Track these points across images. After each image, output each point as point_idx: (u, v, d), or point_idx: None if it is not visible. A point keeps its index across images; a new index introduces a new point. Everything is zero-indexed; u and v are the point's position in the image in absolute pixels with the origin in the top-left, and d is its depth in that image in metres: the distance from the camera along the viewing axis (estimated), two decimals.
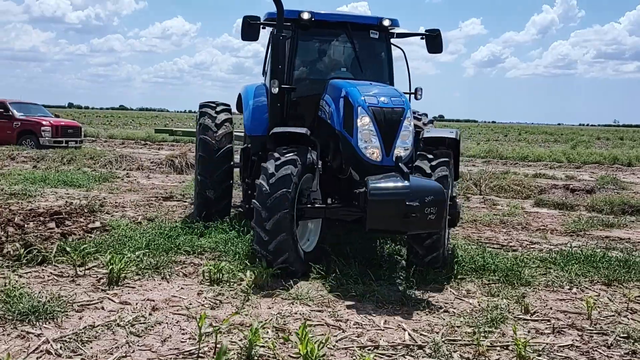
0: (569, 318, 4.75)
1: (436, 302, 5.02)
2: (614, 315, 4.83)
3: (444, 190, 5.02)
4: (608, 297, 5.33)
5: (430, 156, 5.74)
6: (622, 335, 4.34)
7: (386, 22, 7.06)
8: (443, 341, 4.12)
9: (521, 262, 6.31)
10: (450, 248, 6.45)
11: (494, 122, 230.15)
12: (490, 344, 4.12)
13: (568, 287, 5.64)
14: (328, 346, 3.81)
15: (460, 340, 4.17)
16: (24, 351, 3.73)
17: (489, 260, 6.11)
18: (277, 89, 6.39)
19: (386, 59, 7.31)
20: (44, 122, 20.26)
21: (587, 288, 5.62)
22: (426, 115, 7.93)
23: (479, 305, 4.95)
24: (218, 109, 7.73)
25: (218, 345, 3.73)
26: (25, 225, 7.28)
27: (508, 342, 4.06)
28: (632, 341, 4.24)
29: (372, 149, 5.73)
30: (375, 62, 7.34)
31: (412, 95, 7.25)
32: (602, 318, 4.76)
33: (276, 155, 5.52)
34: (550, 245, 7.51)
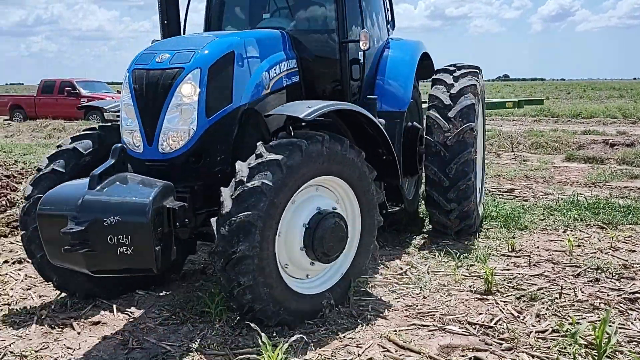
0: (550, 255, 5.28)
1: (434, 242, 5.65)
2: (595, 252, 5.30)
3: (149, 207, 3.25)
4: (598, 238, 5.78)
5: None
6: (592, 267, 4.85)
7: None
8: (426, 271, 4.79)
9: (524, 209, 6.80)
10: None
11: (563, 79, 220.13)
12: (469, 273, 4.76)
13: (562, 230, 6.12)
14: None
15: (442, 271, 4.82)
16: None
17: (492, 208, 6.64)
18: None
19: None
20: (107, 99, 21.80)
21: (581, 231, 6.07)
22: (463, 67, 6.00)
23: (472, 245, 5.54)
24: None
25: None
26: None
27: (483, 272, 4.67)
28: (600, 271, 4.75)
29: (129, 133, 3.92)
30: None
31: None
32: (582, 255, 5.25)
33: None
34: (563, 195, 7.87)
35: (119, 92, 27.28)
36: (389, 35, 6.05)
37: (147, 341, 3.59)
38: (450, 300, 4.24)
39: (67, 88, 22.19)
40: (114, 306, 4.12)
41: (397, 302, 4.25)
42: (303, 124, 3.84)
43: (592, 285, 4.49)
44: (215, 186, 3.65)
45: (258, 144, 3.60)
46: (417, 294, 4.38)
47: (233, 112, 4.03)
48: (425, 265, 4.99)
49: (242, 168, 3.48)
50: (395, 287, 4.54)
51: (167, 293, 4.42)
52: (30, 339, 3.67)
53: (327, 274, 4.05)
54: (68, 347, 3.55)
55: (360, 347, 3.50)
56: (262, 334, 3.13)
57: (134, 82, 3.87)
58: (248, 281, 3.38)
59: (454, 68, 5.91)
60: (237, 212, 3.34)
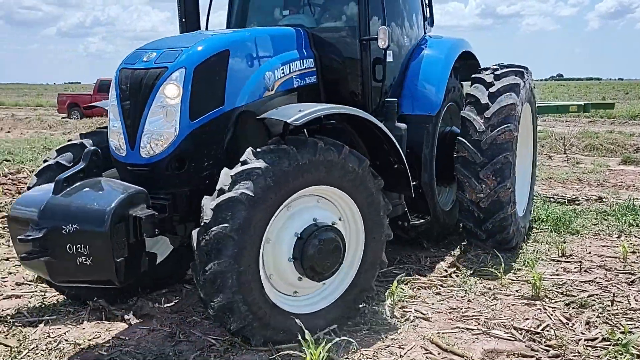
0: (603, 261, 5.10)
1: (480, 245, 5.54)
2: None
3: (108, 215, 3.04)
4: None
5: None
6: None
7: None
8: (472, 275, 4.72)
9: (576, 213, 6.59)
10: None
11: (620, 79, 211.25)
12: (516, 278, 4.66)
13: (617, 235, 5.90)
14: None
15: (488, 275, 4.73)
16: None
17: (541, 212, 6.47)
18: None
19: None
20: None
21: (636, 237, 5.85)
22: (508, 66, 5.62)
23: (521, 249, 5.41)
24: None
25: None
26: None
27: (531, 277, 4.55)
28: None
29: (114, 136, 3.71)
30: None
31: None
32: (637, 262, 5.06)
33: None
34: (618, 200, 7.58)
35: None
36: (425, 32, 5.66)
37: (193, 334, 3.69)
38: (496, 305, 4.16)
39: None
40: (162, 299, 4.25)
41: (441, 304, 4.21)
42: (306, 128, 3.62)
43: None
44: (202, 194, 3.37)
45: (247, 149, 3.32)
46: (462, 297, 4.33)
47: (224, 115, 3.71)
48: (471, 268, 4.92)
49: (225, 175, 3.23)
50: (440, 289, 4.50)
51: None
52: (84, 329, 3.82)
53: (321, 294, 3.71)
54: (119, 338, 3.68)
55: (403, 349, 3.49)
56: (306, 331, 3.16)
57: (120, 82, 3.66)
58: (225, 299, 3.12)
59: (497, 67, 5.57)
60: (215, 223, 3.09)
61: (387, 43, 4.38)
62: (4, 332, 3.76)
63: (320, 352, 3.03)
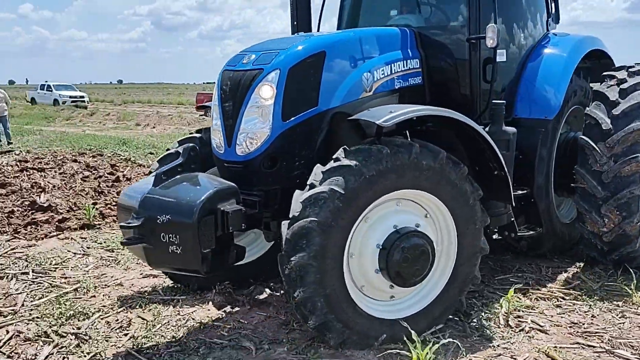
0: None
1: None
2: None
3: (197, 208, 3.24)
4: None
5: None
6: None
7: None
8: (598, 288, 4.43)
9: None
10: None
11: None
12: None
13: None
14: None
15: (617, 291, 4.39)
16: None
17: None
18: None
19: None
20: None
21: None
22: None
23: None
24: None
25: None
26: None
27: None
28: None
29: (215, 134, 3.92)
30: None
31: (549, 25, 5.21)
32: None
33: None
34: None
35: None
36: (549, 30, 5.21)
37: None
38: (623, 323, 3.87)
39: None
40: (278, 287, 4.48)
41: (561, 317, 4.00)
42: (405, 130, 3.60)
43: None
44: (293, 192, 3.42)
45: (340, 148, 3.35)
46: (585, 312, 4.08)
47: (318, 116, 3.74)
48: (598, 282, 4.59)
49: (317, 171, 3.29)
50: (561, 302, 4.27)
51: None
52: (209, 310, 4.17)
53: (419, 294, 3.67)
54: (239, 321, 3.96)
55: (515, 359, 3.38)
56: (412, 332, 3.19)
57: (221, 83, 3.81)
58: (307, 292, 3.16)
59: (624, 76, 4.85)
60: (302, 216, 3.14)
61: (496, 42, 4.14)
62: (142, 307, 4.21)
63: (427, 353, 3.04)
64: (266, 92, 3.61)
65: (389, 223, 3.44)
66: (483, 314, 3.98)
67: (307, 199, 3.18)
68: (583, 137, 4.65)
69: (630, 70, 4.92)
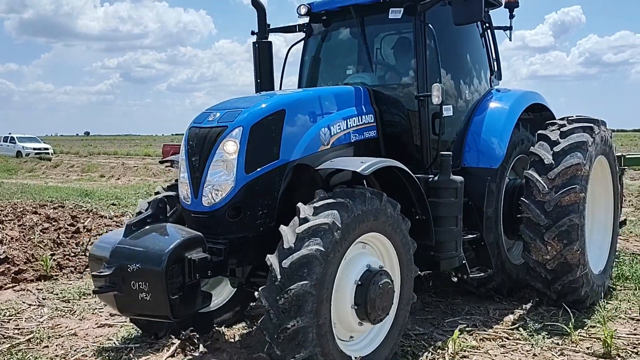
0: None
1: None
2: None
3: (164, 257, 3.43)
4: None
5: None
6: None
7: None
8: (541, 328, 4.63)
9: None
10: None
11: None
12: (587, 335, 4.51)
13: None
14: None
15: (558, 330, 4.61)
16: None
17: (626, 269, 6.18)
18: None
19: (422, 43, 4.88)
20: None
21: None
22: (572, 121, 5.34)
23: (598, 306, 5.20)
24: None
25: None
26: None
27: (603, 334, 4.39)
28: None
29: (182, 186, 4.09)
30: (402, 52, 5.23)
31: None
32: None
33: None
34: None
35: None
36: (492, 86, 5.67)
37: None
38: None
39: None
40: (234, 333, 4.55)
41: (504, 356, 4.18)
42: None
43: None
44: (257, 239, 3.82)
45: (301, 206, 3.55)
46: (527, 351, 4.26)
47: (279, 168, 4.00)
48: (541, 322, 4.80)
49: (304, 208, 3.52)
50: (505, 342, 4.45)
51: None
52: (162, 358, 4.19)
53: (370, 334, 3.92)
54: None
55: None
56: None
57: (188, 139, 4.03)
58: (304, 321, 3.25)
59: (564, 122, 5.28)
60: (300, 247, 3.31)
61: (441, 99, 4.55)
62: (95, 356, 4.22)
63: None
64: (230, 147, 3.85)
65: (362, 262, 3.74)
66: (430, 354, 4.12)
67: (306, 230, 3.36)
68: (528, 171, 5.03)
69: (569, 119, 5.41)
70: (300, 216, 3.48)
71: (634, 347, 4.26)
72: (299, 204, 3.58)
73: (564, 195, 4.81)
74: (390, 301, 3.79)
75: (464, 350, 4.22)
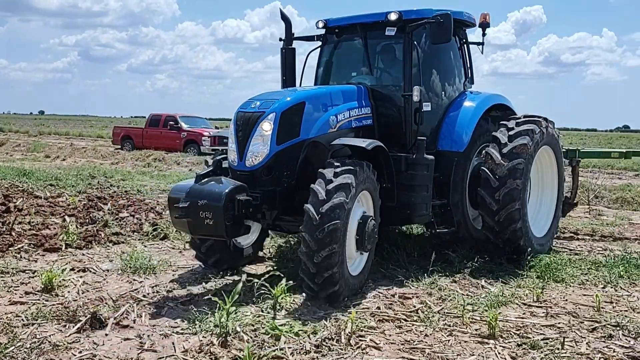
0: (576, 308, 5.18)
1: (463, 286, 5.73)
2: (626, 310, 5.13)
3: (223, 196, 4.99)
4: (637, 296, 5.55)
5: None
6: (612, 324, 4.72)
7: (392, 16, 6.27)
8: (438, 312, 4.93)
9: (570, 262, 6.64)
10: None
11: None
12: (480, 318, 4.82)
13: (602, 286, 5.93)
14: None
15: (454, 313, 4.92)
16: (127, 289, 5.36)
17: (531, 259, 6.58)
18: None
19: (408, 55, 6.29)
20: (204, 133, 23.46)
21: (622, 288, 5.85)
22: (527, 116, 6.84)
23: (500, 292, 5.53)
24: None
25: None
26: (163, 213, 9.30)
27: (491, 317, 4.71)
28: (618, 328, 4.62)
29: (231, 153, 5.74)
30: (394, 61, 6.77)
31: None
32: (610, 312, 5.09)
33: None
34: (624, 253, 7.53)
35: (216, 127, 29.06)
36: (465, 89, 7.19)
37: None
38: (449, 340, 4.36)
39: (171, 122, 24.19)
40: (143, 313, 4.68)
41: (398, 336, 4.44)
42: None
43: (602, 341, 4.40)
44: (282, 192, 5.51)
45: (334, 159, 5.29)
46: (421, 332, 4.54)
47: (299, 143, 5.64)
48: (440, 306, 5.11)
49: (325, 172, 5.09)
50: (403, 323, 4.72)
51: None
52: (67, 333, 4.28)
53: (358, 260, 5.51)
54: (95, 343, 4.13)
55: None
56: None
57: (236, 120, 5.67)
58: (335, 247, 4.81)
59: (520, 116, 6.81)
60: (331, 197, 4.87)
61: (419, 98, 6.16)
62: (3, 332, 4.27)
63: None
64: (267, 127, 5.47)
65: (360, 210, 5.39)
66: (328, 332, 4.35)
67: (334, 187, 4.95)
68: (488, 148, 6.58)
69: (524, 115, 6.92)
70: (327, 177, 5.03)
71: (518, 329, 4.59)
72: (321, 170, 5.15)
73: (511, 165, 6.29)
74: (375, 236, 5.49)
75: (361, 330, 4.47)
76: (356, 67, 7.03)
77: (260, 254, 6.64)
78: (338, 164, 5.16)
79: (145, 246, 7.23)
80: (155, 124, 24.88)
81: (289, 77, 7.06)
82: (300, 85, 7.10)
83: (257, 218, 5.44)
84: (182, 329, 4.43)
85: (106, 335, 4.31)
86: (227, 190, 5.07)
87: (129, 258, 6.26)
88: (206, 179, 5.39)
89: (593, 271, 6.41)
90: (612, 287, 5.88)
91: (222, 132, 24.72)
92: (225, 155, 5.93)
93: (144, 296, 5.21)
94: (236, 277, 5.79)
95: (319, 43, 7.27)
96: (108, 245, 7.18)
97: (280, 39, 7.05)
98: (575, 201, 8.74)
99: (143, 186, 12.46)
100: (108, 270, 6.03)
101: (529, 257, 6.41)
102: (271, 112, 5.47)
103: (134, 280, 5.71)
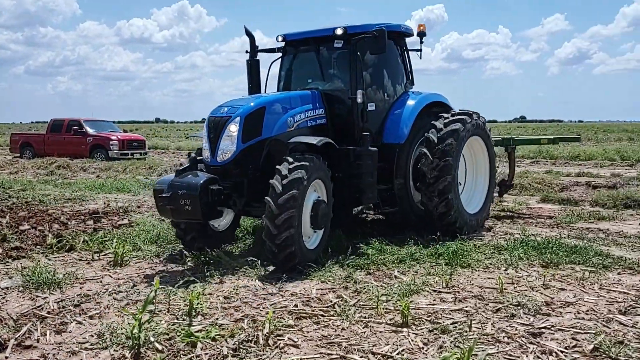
0: (481, 291, 5.48)
1: (377, 277, 5.89)
2: (525, 290, 5.50)
3: (199, 186, 6.11)
4: (535, 276, 5.97)
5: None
6: (514, 303, 5.05)
7: (339, 31, 7.40)
8: (354, 305, 5.04)
9: (475, 247, 7.02)
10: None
11: (580, 121, 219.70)
12: (394, 308, 4.98)
13: (504, 268, 6.32)
14: None
15: (370, 305, 5.05)
16: (29, 307, 5.04)
17: (438, 247, 6.89)
18: None
19: (354, 63, 7.28)
20: (112, 137, 22.55)
21: (522, 269, 6.27)
22: (455, 114, 8.20)
23: (412, 281, 5.75)
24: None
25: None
26: (68, 223, 8.83)
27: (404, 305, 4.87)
28: (519, 307, 4.95)
29: (204, 152, 6.86)
30: (342, 69, 7.79)
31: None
32: (512, 292, 5.44)
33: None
34: (522, 236, 8.05)
35: (125, 130, 27.88)
36: (406, 90, 8.37)
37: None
38: (365, 332, 4.47)
39: (75, 127, 22.99)
40: (49, 331, 4.42)
41: (315, 332, 4.49)
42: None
43: (506, 320, 4.69)
44: (248, 183, 6.59)
45: (289, 156, 6.35)
46: (338, 326, 4.62)
47: (262, 141, 6.77)
48: (356, 298, 5.23)
49: (281, 168, 6.13)
50: (321, 319, 4.78)
51: None
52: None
53: (314, 237, 6.56)
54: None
55: None
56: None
57: (208, 123, 6.79)
58: (292, 231, 5.88)
59: (449, 115, 8.09)
60: (288, 190, 5.91)
61: (363, 100, 7.24)
62: None
63: None
64: (233, 128, 6.59)
65: (314, 196, 6.48)
66: (244, 334, 4.32)
67: (288, 181, 5.98)
68: (422, 148, 7.83)
69: (452, 113, 8.26)
70: (282, 173, 6.06)
71: (429, 316, 4.79)
72: (278, 166, 6.18)
73: (435, 165, 7.62)
74: (328, 217, 6.63)
75: (279, 330, 4.48)
76: (311, 75, 8.15)
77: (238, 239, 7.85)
78: (292, 160, 6.19)
79: (50, 259, 6.83)
80: (58, 129, 23.56)
81: (254, 85, 8.34)
82: (265, 91, 8.31)
83: (228, 204, 6.59)
84: (91, 344, 4.24)
85: (6, 358, 4.03)
86: (202, 182, 6.17)
87: (30, 273, 5.89)
88: (185, 173, 6.48)
89: (496, 255, 6.82)
90: (513, 269, 6.28)
91: (133, 135, 24.12)
92: (199, 154, 7.07)
93: (48, 313, 4.92)
94: (151, 283, 5.62)
95: (280, 55, 8.47)
96: (7, 262, 6.72)
97: (246, 52, 8.36)
98: (511, 183, 10.62)
99: (46, 195, 11.76)
100: (7, 288, 5.64)
101: (462, 230, 7.81)
102: (237, 116, 6.59)
103: (37, 296, 5.37)
